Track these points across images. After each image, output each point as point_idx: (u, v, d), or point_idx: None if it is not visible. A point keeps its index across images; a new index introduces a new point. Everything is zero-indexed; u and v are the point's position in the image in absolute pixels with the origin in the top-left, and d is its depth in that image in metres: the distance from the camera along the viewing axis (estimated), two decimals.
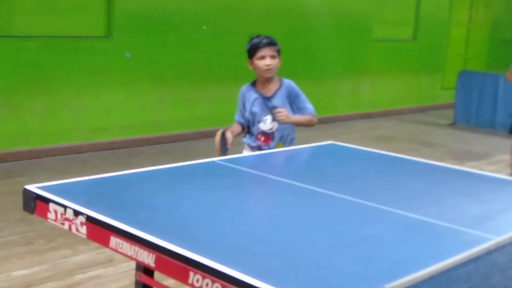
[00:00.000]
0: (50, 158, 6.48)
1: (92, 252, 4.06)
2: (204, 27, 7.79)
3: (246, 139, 3.87)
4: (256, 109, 3.75)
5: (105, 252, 3.99)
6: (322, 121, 9.56)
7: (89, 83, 6.84)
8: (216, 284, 1.71)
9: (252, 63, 3.75)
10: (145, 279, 2.50)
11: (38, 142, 6.54)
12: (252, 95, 3.78)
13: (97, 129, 7.00)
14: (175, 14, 7.49)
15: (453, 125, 9.78)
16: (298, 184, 2.69)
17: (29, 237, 4.31)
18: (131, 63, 7.15)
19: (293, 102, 3.80)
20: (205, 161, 3.12)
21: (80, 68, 6.76)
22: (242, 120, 3.85)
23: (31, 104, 6.45)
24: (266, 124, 3.74)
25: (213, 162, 3.07)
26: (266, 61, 3.67)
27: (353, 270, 1.79)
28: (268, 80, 3.75)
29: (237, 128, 3.83)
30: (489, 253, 1.70)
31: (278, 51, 3.74)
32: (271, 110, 3.71)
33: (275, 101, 3.74)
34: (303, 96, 3.86)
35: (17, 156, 6.34)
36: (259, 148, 3.76)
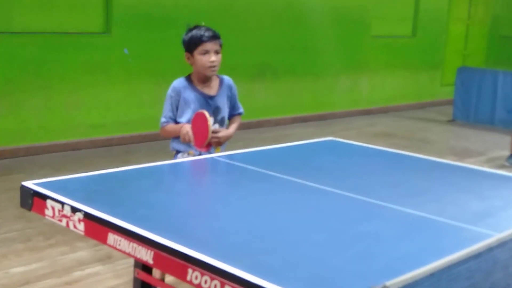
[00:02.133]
0: (48, 155, 6.46)
1: (91, 249, 4.04)
2: (203, 23, 7.76)
3: (178, 145, 3.34)
4: (197, 110, 3.24)
5: (103, 249, 3.97)
6: (321, 117, 9.57)
7: (87, 79, 6.82)
8: (215, 281, 1.70)
9: (191, 57, 3.27)
10: (143, 276, 2.48)
11: (36, 139, 6.51)
12: (190, 93, 3.29)
13: (95, 126, 6.98)
14: (173, 10, 7.46)
15: (452, 121, 9.77)
16: (297, 180, 2.67)
17: (28, 234, 4.29)
18: (130, 60, 7.13)
19: (230, 99, 3.43)
20: (203, 157, 3.10)
21: (78, 65, 6.74)
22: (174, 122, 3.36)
23: (29, 100, 6.43)
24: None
25: (211, 158, 3.05)
26: (210, 56, 3.22)
27: (352, 267, 1.78)
28: (209, 78, 3.32)
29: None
30: (490, 249, 1.69)
31: (221, 46, 3.31)
32: (214, 111, 3.30)
33: (219, 101, 3.35)
34: (236, 94, 3.48)
35: (14, 153, 6.32)
36: (199, 154, 3.26)
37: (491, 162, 7.12)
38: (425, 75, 11.42)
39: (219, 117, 3.36)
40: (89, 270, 3.77)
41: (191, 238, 1.92)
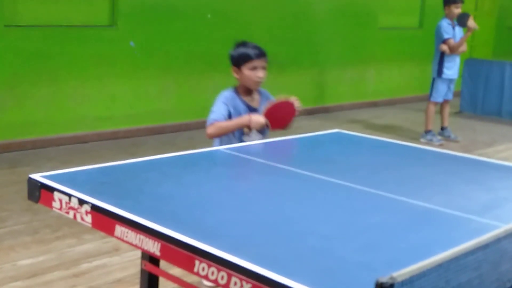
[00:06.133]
0: (54, 148, 6.48)
1: (98, 241, 4.06)
2: (209, 16, 7.75)
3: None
4: None
5: (111, 241, 3.99)
6: (327, 110, 9.55)
7: (93, 72, 6.82)
8: (222, 273, 1.70)
9: (239, 71, 3.52)
10: (150, 268, 2.49)
11: (42, 132, 6.53)
12: (239, 104, 3.53)
13: (102, 119, 6.99)
14: (179, 3, 7.45)
15: (459, 113, 9.72)
16: (303, 172, 2.67)
17: (35, 227, 4.31)
18: (135, 52, 7.13)
19: None
20: (209, 149, 3.10)
21: (85, 58, 6.74)
22: None
23: (36, 93, 6.44)
24: (251, 137, 3.51)
25: (217, 150, 3.06)
26: (258, 73, 3.49)
27: (360, 259, 1.78)
28: (252, 91, 3.59)
29: None
30: (498, 240, 1.68)
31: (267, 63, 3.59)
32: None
33: (261, 112, 3.57)
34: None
35: (21, 146, 6.34)
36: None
37: (498, 153, 7.10)
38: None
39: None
40: (96, 262, 3.79)
41: (198, 230, 1.93)
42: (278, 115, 3.54)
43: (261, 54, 3.52)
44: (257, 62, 3.49)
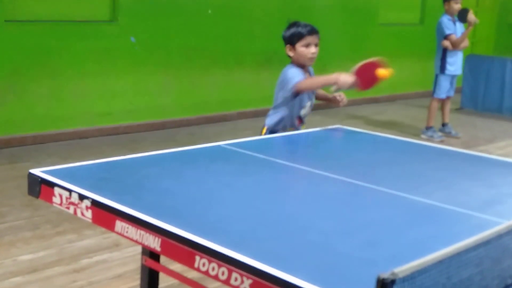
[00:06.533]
0: (55, 143, 6.47)
1: (98, 236, 4.05)
2: (209, 11, 7.73)
3: (273, 124, 3.70)
4: (304, 94, 3.69)
5: (111, 236, 3.98)
6: (328, 105, 9.52)
7: (94, 67, 6.81)
8: (222, 269, 1.69)
9: (293, 49, 3.67)
10: (151, 263, 2.49)
11: (43, 127, 6.52)
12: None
13: (102, 114, 6.98)
14: None
15: (460, 109, 9.71)
16: (304, 168, 2.67)
17: (35, 222, 4.31)
18: (136, 48, 7.12)
19: None
20: (210, 145, 3.09)
21: (85, 53, 6.73)
22: None
23: (36, 89, 6.43)
24: (306, 109, 3.75)
25: (218, 146, 3.05)
26: (312, 49, 3.65)
27: (361, 255, 1.77)
28: (305, 67, 3.73)
29: None
30: (499, 236, 1.68)
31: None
32: (310, 96, 3.74)
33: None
34: None
35: (22, 141, 6.34)
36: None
37: (499, 150, 7.09)
38: (433, 63, 11.33)
39: (312, 101, 3.79)
40: (97, 258, 3.78)
41: (199, 226, 1.92)
42: (367, 75, 3.47)
43: (313, 31, 3.66)
44: (309, 39, 3.64)
